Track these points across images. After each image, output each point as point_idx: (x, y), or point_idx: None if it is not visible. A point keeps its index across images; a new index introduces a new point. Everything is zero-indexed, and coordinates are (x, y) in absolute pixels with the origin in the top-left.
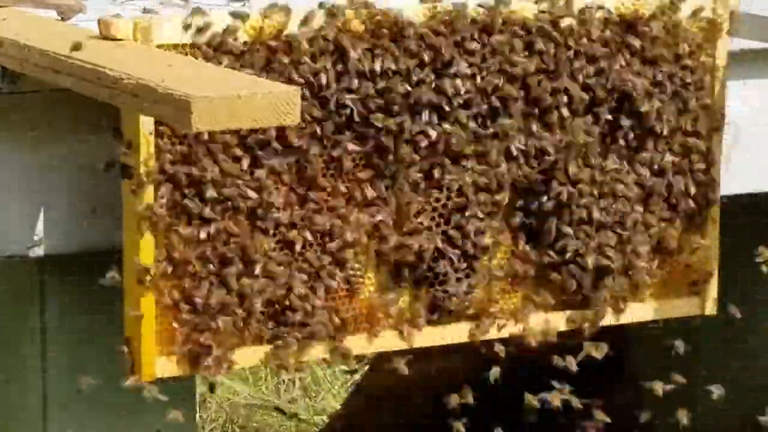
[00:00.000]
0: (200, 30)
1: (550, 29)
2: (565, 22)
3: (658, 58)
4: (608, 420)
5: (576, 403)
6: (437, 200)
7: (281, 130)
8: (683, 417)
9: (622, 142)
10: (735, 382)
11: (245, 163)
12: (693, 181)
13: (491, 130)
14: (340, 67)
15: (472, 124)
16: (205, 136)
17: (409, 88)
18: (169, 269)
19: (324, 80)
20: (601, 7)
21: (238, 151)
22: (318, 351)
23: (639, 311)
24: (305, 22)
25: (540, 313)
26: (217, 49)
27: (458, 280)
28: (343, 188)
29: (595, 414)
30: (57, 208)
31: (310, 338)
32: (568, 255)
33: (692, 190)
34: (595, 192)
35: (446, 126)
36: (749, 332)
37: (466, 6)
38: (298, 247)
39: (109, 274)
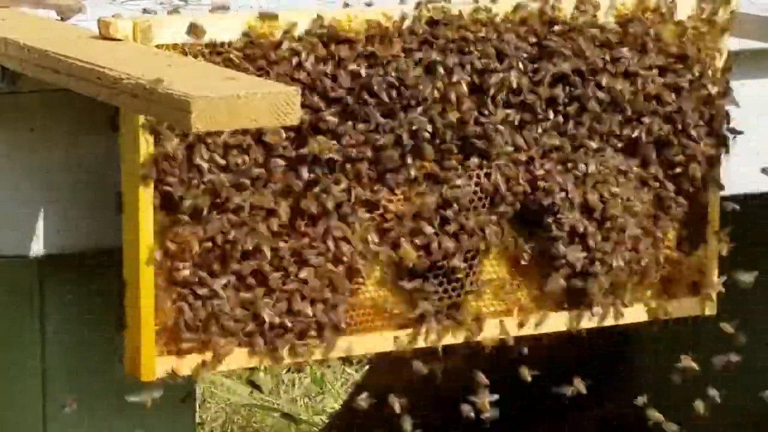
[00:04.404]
0: (201, 30)
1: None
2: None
3: (659, 59)
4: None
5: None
6: (439, 200)
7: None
8: (699, 407)
9: (620, 142)
10: (735, 382)
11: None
12: (693, 181)
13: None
14: None
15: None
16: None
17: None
18: (168, 267)
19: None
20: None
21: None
22: (317, 351)
23: (638, 312)
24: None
25: (539, 314)
26: (217, 49)
27: (458, 280)
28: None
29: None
30: (57, 208)
31: (310, 338)
32: (568, 255)
33: (692, 190)
34: (595, 192)
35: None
36: (749, 332)
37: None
38: (298, 247)
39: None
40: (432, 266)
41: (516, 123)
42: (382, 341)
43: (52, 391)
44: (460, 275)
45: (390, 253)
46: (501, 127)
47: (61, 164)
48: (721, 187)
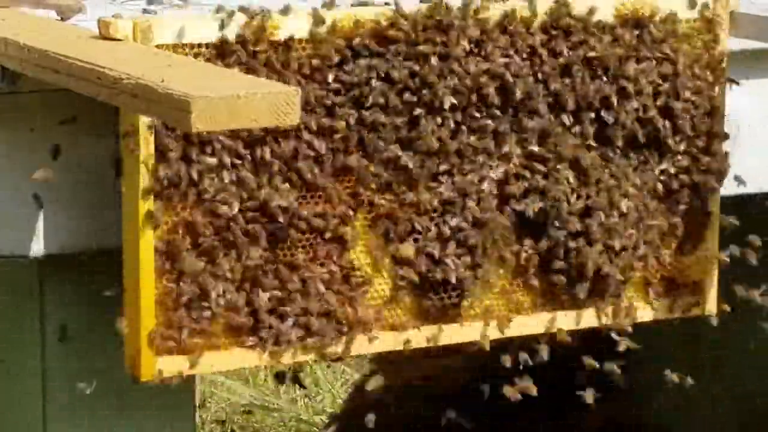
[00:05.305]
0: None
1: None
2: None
3: (658, 59)
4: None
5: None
6: (439, 198)
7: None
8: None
9: (621, 143)
10: (735, 383)
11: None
12: (693, 181)
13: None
14: None
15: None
16: None
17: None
18: (168, 266)
19: None
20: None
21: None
22: (318, 352)
23: (640, 311)
24: None
25: (541, 314)
26: (217, 49)
27: (458, 280)
28: (345, 185)
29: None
30: (57, 208)
31: (310, 339)
32: (568, 256)
33: (692, 190)
34: (595, 193)
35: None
36: (749, 333)
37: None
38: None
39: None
40: (433, 265)
41: (517, 124)
42: (383, 341)
43: (52, 391)
44: (461, 275)
45: (389, 253)
46: (505, 127)
47: (62, 164)
48: (721, 181)
